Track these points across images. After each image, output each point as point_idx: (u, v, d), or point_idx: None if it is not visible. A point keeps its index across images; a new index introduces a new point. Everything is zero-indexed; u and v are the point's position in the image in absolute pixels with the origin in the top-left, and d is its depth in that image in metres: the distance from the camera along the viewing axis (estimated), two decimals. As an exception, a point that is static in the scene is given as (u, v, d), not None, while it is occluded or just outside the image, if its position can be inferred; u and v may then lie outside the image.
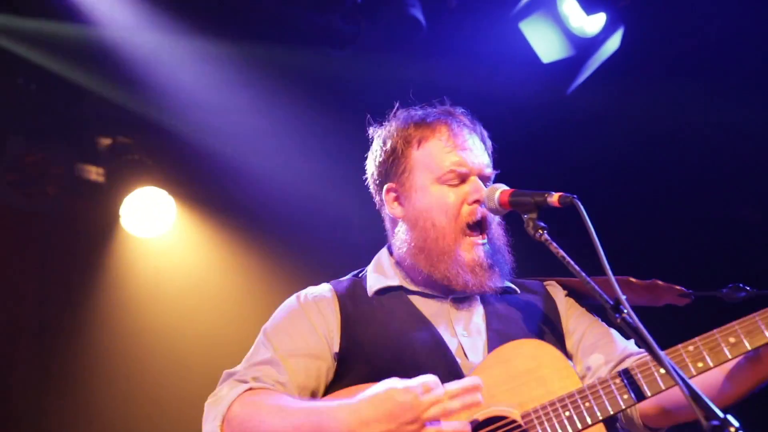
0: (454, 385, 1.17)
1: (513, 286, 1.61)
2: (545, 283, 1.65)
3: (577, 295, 1.61)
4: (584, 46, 3.46)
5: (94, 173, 3.83)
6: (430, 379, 1.16)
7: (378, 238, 1.75)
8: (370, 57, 3.65)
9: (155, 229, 3.86)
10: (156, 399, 4.06)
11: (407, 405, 1.12)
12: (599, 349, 1.49)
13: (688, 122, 3.59)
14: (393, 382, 1.17)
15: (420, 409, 1.12)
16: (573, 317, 1.56)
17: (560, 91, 3.65)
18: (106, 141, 3.86)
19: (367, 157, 1.72)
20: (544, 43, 3.39)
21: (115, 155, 3.85)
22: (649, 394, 1.24)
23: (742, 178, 3.77)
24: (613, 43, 3.42)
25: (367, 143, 1.72)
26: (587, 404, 1.23)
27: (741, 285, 1.69)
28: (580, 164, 3.85)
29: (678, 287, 1.67)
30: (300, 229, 4.17)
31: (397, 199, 1.59)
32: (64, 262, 3.99)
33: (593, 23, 3.36)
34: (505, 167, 1.66)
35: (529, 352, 1.36)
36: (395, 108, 1.67)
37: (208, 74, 3.57)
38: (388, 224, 1.68)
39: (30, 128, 3.59)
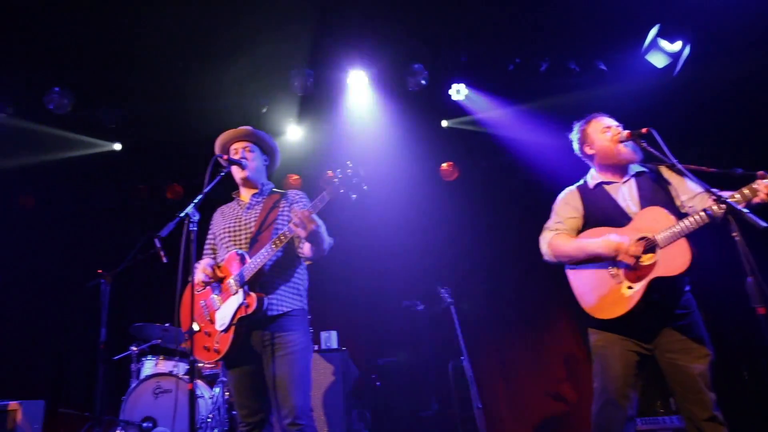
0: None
1: (644, 170, 3.13)
2: (658, 166, 3.11)
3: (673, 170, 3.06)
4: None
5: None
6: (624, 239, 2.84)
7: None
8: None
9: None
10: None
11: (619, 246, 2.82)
12: (686, 192, 2.97)
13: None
14: (611, 236, 2.88)
15: (622, 250, 2.82)
16: (674, 182, 3.03)
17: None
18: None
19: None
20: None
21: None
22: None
23: None
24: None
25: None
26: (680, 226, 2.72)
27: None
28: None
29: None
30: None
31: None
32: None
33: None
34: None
35: (654, 212, 2.86)
36: None
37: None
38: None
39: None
